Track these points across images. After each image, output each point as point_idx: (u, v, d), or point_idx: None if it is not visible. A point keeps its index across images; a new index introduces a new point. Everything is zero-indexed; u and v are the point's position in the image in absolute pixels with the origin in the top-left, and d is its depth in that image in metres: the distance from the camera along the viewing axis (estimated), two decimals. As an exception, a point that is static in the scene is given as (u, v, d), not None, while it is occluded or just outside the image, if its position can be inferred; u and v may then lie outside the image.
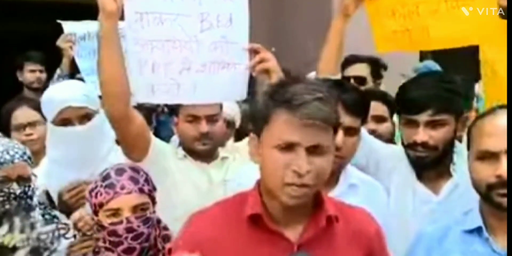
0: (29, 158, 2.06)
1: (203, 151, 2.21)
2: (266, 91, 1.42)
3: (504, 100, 1.93)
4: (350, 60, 3.16)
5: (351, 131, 1.87)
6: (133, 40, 1.97)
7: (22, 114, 2.70)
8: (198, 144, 2.20)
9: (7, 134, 2.74)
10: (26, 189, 2.05)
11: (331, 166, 1.41)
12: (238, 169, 2.15)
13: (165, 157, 2.18)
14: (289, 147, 1.34)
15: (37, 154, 2.41)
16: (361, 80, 3.16)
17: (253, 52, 2.09)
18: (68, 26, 3.07)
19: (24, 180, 1.98)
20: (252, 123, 1.47)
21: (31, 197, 2.09)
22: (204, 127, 2.17)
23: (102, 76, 1.95)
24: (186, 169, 2.20)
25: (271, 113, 1.37)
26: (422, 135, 1.93)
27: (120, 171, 1.79)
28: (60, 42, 3.04)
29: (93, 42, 3.02)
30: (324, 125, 1.34)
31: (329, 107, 1.35)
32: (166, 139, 2.61)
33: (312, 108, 1.32)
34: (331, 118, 1.36)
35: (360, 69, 3.20)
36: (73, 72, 3.05)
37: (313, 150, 1.35)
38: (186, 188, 2.17)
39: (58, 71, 3.15)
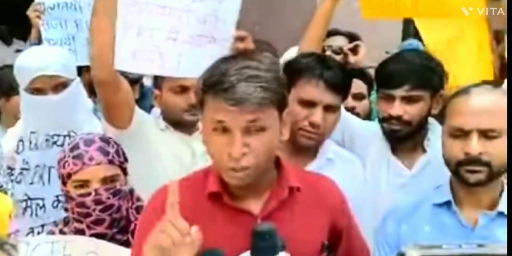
0: None
1: (191, 122, 2.20)
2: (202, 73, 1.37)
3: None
4: (330, 33, 3.18)
5: (331, 109, 1.88)
6: (122, 1, 1.89)
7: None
8: (187, 115, 2.18)
9: None
10: None
11: (276, 142, 1.36)
12: None
13: (147, 127, 2.17)
14: (223, 129, 1.31)
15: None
16: (338, 51, 3.18)
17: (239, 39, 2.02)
18: None
19: None
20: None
21: None
22: (193, 98, 2.10)
23: (94, 31, 1.91)
24: (168, 141, 2.19)
25: (203, 97, 1.34)
26: (397, 109, 1.96)
27: (89, 141, 1.74)
28: (29, 11, 3.03)
29: (62, 13, 3.00)
30: (257, 106, 1.28)
31: (262, 86, 1.28)
32: (146, 110, 2.60)
33: (239, 92, 1.27)
34: (263, 98, 1.29)
35: (339, 41, 3.22)
36: (39, 43, 3.02)
37: (249, 130, 1.30)
38: (168, 159, 2.16)
39: (27, 42, 3.14)
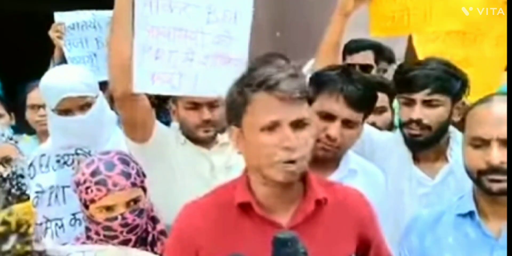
0: (10, 138, 2.06)
1: (206, 138, 2.22)
2: (237, 80, 1.46)
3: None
4: (354, 48, 3.17)
5: (350, 124, 1.87)
6: (140, 25, 1.96)
7: (36, 95, 2.73)
8: (201, 131, 2.20)
9: (21, 112, 2.88)
10: (14, 169, 2.07)
11: (315, 137, 1.46)
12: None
13: (168, 141, 2.19)
14: (274, 126, 1.38)
15: (46, 134, 2.47)
16: (366, 67, 3.16)
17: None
18: (58, 16, 3.13)
19: (8, 161, 2.01)
20: (229, 114, 1.48)
21: (22, 176, 2.12)
22: (206, 114, 2.17)
23: (112, 50, 1.97)
24: (188, 155, 2.21)
25: (248, 99, 1.40)
26: (417, 113, 1.97)
27: (110, 165, 1.72)
28: (50, 32, 3.11)
29: (82, 32, 3.08)
30: (301, 98, 1.39)
31: (301, 81, 1.41)
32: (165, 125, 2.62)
33: (287, 84, 1.37)
34: (305, 91, 1.41)
35: (366, 57, 3.20)
36: (63, 62, 3.10)
37: (297, 125, 1.39)
38: (188, 173, 2.17)
39: (51, 61, 3.22)
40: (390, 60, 3.41)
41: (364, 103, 1.88)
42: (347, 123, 1.86)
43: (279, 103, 1.37)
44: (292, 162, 1.38)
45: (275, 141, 1.37)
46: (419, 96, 1.98)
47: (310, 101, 1.46)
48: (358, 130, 1.91)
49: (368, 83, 1.95)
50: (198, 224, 1.46)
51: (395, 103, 2.71)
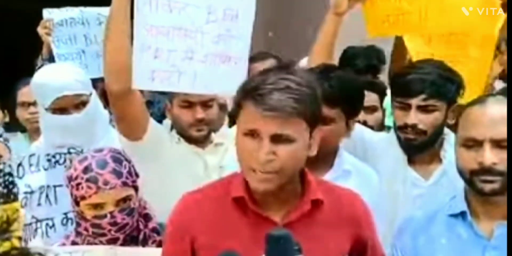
0: (0, 136, 2.03)
1: (198, 137, 2.22)
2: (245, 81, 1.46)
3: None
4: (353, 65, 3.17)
5: (325, 120, 1.80)
6: (139, 24, 1.96)
7: (27, 92, 2.71)
8: (194, 130, 2.20)
9: (13, 110, 2.85)
10: (2, 167, 2.05)
11: (302, 156, 1.42)
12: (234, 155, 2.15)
13: (162, 140, 2.19)
14: (253, 134, 1.37)
15: (37, 131, 2.45)
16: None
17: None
18: (47, 13, 3.12)
19: None
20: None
21: (10, 174, 2.10)
22: (199, 113, 2.17)
23: (109, 47, 1.97)
24: (181, 153, 2.21)
25: (241, 101, 1.41)
26: (413, 118, 1.98)
27: (102, 163, 1.70)
28: (39, 29, 3.09)
29: (70, 28, 3.07)
30: (287, 114, 1.34)
31: (295, 98, 1.34)
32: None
33: (272, 99, 1.33)
34: (294, 109, 1.34)
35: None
36: (51, 58, 3.08)
37: (278, 139, 1.36)
38: (181, 172, 2.17)
39: (40, 58, 3.20)
40: (383, 61, 3.44)
41: (336, 100, 1.83)
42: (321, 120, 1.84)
43: (261, 115, 1.35)
44: (263, 172, 1.38)
45: (251, 149, 1.37)
46: (414, 101, 1.98)
47: (309, 118, 1.39)
48: (336, 127, 1.88)
49: (350, 81, 1.93)
50: (193, 215, 1.47)
51: (386, 103, 2.73)
